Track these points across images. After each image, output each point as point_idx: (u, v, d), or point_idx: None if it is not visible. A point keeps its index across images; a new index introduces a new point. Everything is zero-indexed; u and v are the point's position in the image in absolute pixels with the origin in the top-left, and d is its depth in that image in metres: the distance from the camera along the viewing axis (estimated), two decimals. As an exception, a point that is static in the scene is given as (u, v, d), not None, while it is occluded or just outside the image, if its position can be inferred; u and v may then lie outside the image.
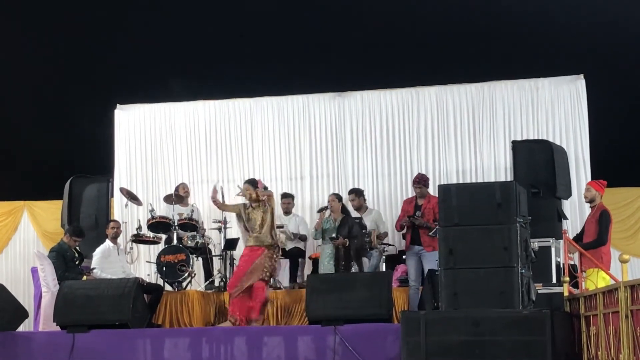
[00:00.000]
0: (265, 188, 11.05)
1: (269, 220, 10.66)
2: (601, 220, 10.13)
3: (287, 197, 12.65)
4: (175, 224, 12.02)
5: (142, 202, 12.95)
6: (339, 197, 11.63)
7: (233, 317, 10.50)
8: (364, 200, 12.26)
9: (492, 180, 12.41)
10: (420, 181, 11.47)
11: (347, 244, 11.14)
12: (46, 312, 10.69)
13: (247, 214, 10.80)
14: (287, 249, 12.21)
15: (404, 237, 11.58)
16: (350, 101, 13.41)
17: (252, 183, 10.93)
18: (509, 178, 12.19)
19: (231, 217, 12.50)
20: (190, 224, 12.05)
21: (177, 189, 12.67)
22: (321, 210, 11.60)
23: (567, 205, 12.03)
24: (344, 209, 11.57)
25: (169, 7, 15.27)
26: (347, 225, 11.30)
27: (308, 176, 13.38)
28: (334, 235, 11.23)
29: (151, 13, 15.21)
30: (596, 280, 9.72)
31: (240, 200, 11.39)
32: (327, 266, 11.23)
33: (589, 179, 12.09)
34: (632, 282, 7.06)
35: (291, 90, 13.67)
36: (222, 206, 11.20)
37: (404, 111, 13.23)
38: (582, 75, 12.81)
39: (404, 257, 11.63)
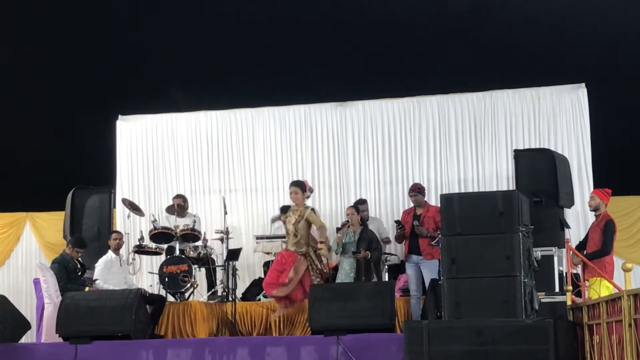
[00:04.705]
0: (311, 190, 11.06)
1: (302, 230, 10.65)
2: (606, 229, 10.13)
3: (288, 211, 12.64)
4: (178, 234, 12.02)
5: (144, 212, 12.95)
6: (357, 210, 11.60)
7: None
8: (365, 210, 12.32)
9: (494, 189, 12.40)
10: (415, 189, 11.47)
11: (369, 256, 11.13)
12: (48, 324, 10.68)
13: (285, 218, 10.92)
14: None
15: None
16: (352, 111, 13.41)
17: (300, 185, 10.94)
18: (511, 187, 12.18)
19: (233, 227, 12.54)
20: (193, 235, 12.05)
21: (173, 200, 12.69)
22: (343, 226, 11.55)
23: (569, 214, 12.00)
24: (362, 221, 11.56)
25: (171, 17, 15.30)
26: (366, 237, 11.29)
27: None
28: (354, 249, 11.21)
29: (152, 23, 15.24)
30: (599, 289, 9.71)
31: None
32: (346, 280, 11.19)
33: (592, 188, 12.08)
34: (636, 291, 7.06)
35: (293, 100, 13.68)
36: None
37: (405, 120, 13.24)
38: (583, 84, 12.81)
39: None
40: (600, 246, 10.14)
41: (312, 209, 10.81)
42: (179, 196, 12.83)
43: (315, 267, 10.73)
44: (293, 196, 10.81)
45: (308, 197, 10.97)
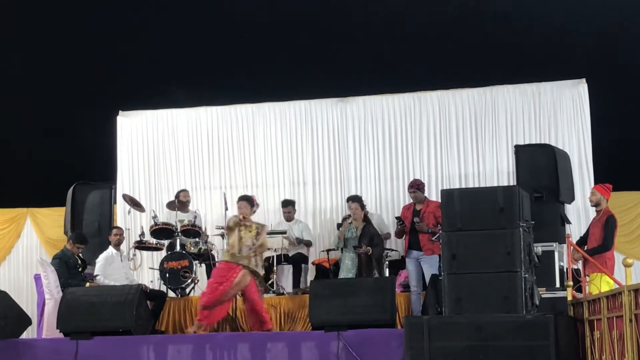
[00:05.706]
0: (258, 205, 10.99)
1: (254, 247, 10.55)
2: (607, 225, 10.12)
3: (288, 206, 12.63)
4: (178, 230, 12.03)
5: (145, 208, 12.95)
6: (361, 205, 11.59)
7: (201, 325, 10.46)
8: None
9: (495, 184, 12.39)
10: (414, 185, 11.46)
11: (371, 252, 11.13)
12: (49, 319, 10.69)
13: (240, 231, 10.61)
14: (290, 255, 12.21)
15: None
16: (353, 106, 13.40)
17: (249, 200, 10.81)
18: (512, 182, 12.19)
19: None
20: (193, 230, 12.06)
21: (177, 195, 12.68)
22: (344, 220, 11.54)
23: (570, 210, 12.01)
24: (365, 217, 11.55)
25: (171, 13, 15.29)
26: (368, 233, 11.27)
27: (310, 182, 13.37)
28: (355, 244, 11.19)
29: (153, 19, 15.23)
30: (600, 284, 9.71)
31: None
32: (347, 275, 11.18)
33: (592, 183, 12.07)
34: (636, 286, 7.06)
35: (293, 95, 13.66)
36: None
37: (406, 116, 13.22)
38: (584, 79, 12.80)
39: (407, 262, 11.62)
40: (601, 242, 10.14)
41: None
42: (185, 190, 12.85)
43: (258, 276, 10.65)
44: (243, 210, 10.64)
45: (254, 212, 10.91)
